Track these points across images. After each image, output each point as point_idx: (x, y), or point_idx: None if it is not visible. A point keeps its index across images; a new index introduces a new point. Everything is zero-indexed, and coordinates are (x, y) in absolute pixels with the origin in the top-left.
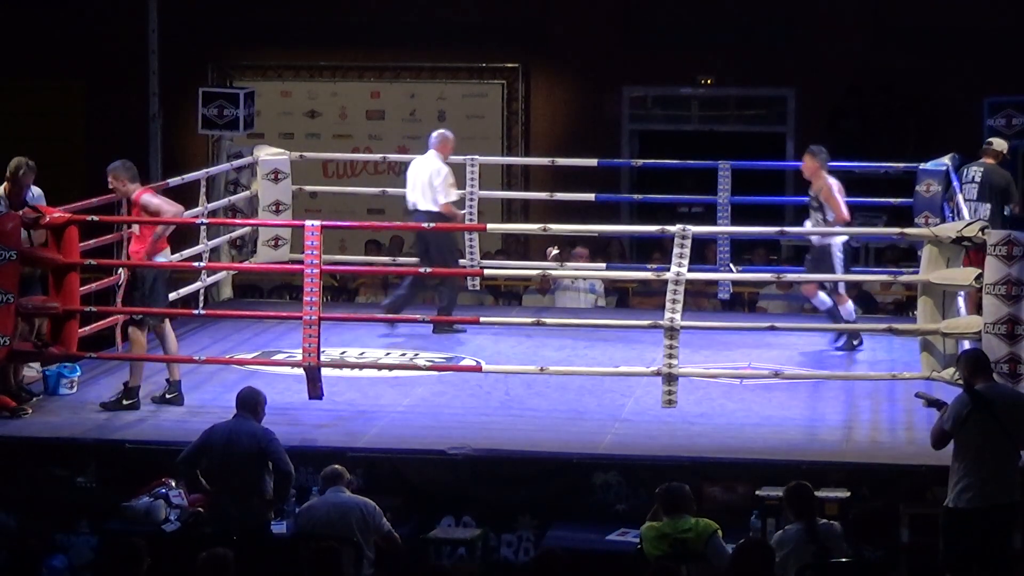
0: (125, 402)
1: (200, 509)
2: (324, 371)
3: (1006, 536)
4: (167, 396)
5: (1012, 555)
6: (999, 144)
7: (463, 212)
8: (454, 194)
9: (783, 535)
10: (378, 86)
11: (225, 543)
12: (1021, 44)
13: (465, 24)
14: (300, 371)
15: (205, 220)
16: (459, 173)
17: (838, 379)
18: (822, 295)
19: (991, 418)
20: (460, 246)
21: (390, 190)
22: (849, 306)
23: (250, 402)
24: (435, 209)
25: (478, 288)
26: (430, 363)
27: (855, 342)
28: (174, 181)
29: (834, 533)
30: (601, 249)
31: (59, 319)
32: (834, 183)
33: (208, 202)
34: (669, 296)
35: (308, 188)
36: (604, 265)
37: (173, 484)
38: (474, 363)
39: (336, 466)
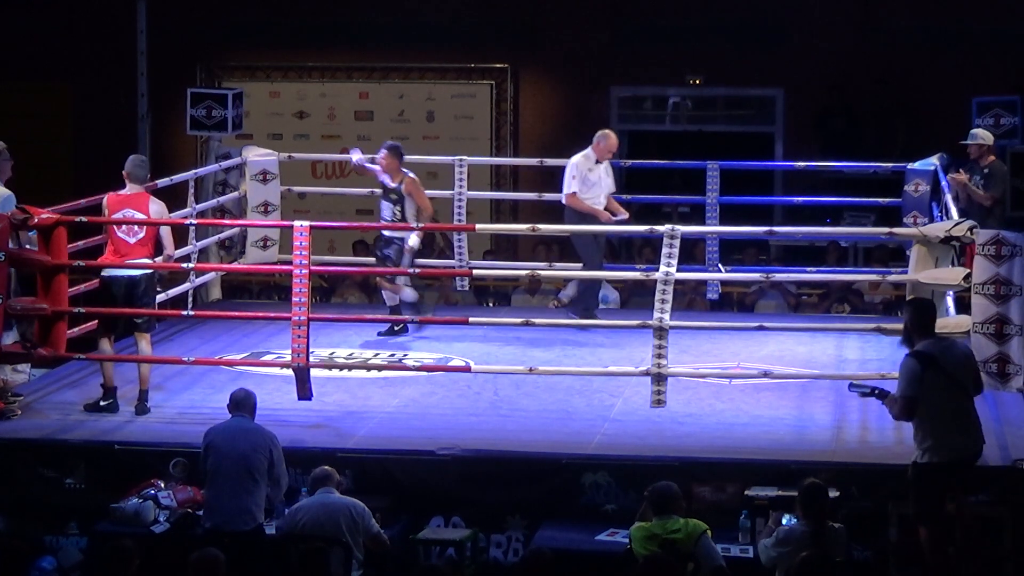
0: (102, 404)
1: (189, 510)
2: (313, 372)
3: (972, 490)
4: (101, 403)
5: (1001, 555)
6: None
7: (600, 207)
8: (576, 187)
9: (788, 532)
10: (367, 87)
11: (216, 543)
12: (1008, 44)
13: (454, 25)
14: (289, 372)
15: (194, 221)
16: (447, 173)
17: (827, 379)
18: (408, 290)
19: (941, 373)
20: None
21: (378, 191)
22: (408, 291)
23: (247, 402)
24: (564, 203)
25: (467, 289)
26: (419, 364)
27: (396, 328)
28: (163, 182)
29: (840, 537)
30: None
31: (47, 321)
32: (416, 177)
33: (197, 203)
34: (658, 296)
35: (297, 189)
36: None
37: (162, 485)
38: (463, 363)
39: (325, 467)
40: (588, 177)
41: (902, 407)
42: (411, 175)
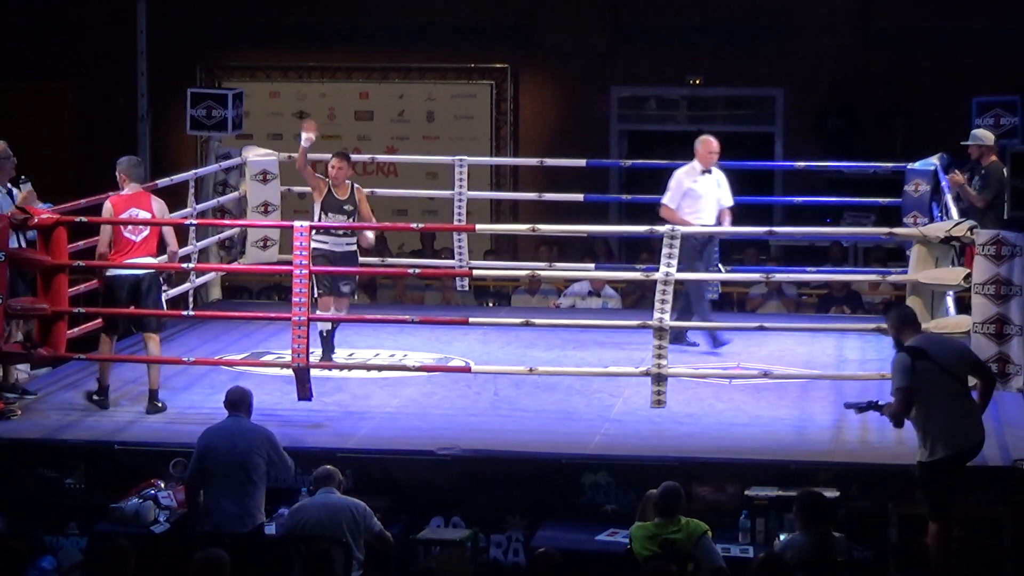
0: (95, 398)
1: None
2: (313, 372)
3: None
4: (94, 397)
5: (1001, 555)
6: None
7: (699, 223)
8: (678, 201)
9: (787, 543)
10: (367, 87)
11: (216, 543)
12: (1008, 44)
13: (454, 25)
14: (289, 372)
15: (194, 221)
16: (447, 173)
17: (827, 379)
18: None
19: (933, 364)
20: (699, 257)
21: (378, 191)
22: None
23: (243, 401)
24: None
25: (467, 289)
26: (419, 364)
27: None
28: (163, 182)
29: (841, 546)
30: (588, 249)
31: (47, 321)
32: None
33: (197, 203)
34: (658, 296)
35: (297, 189)
36: (593, 265)
37: (162, 485)
38: (463, 363)
39: (328, 467)
40: (693, 190)
41: (899, 400)
42: (357, 185)
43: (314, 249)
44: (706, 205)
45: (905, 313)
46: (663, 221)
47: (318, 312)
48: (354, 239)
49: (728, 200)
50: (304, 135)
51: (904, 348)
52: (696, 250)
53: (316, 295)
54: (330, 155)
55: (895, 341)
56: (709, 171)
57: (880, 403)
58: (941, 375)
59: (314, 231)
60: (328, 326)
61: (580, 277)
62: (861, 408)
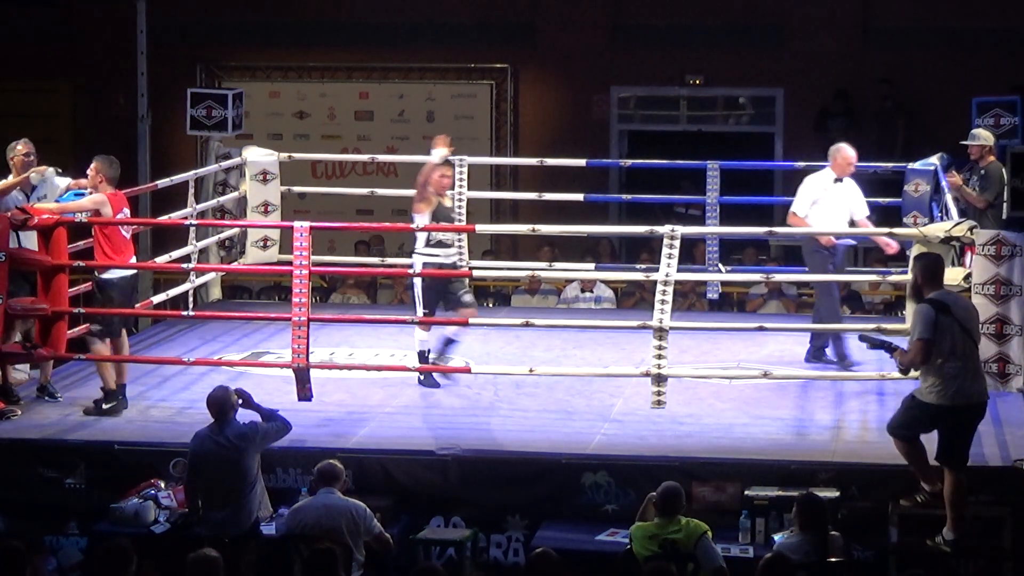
0: (105, 406)
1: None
2: (313, 372)
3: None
4: (104, 406)
5: (1001, 555)
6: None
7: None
8: (806, 210)
9: (784, 543)
10: (367, 87)
11: (215, 544)
12: (1008, 44)
13: (454, 25)
14: (289, 372)
15: (194, 221)
16: None
17: (827, 379)
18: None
19: (954, 321)
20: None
21: (379, 191)
22: (423, 335)
23: (223, 406)
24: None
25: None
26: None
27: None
28: (163, 182)
29: (838, 545)
30: (590, 249)
31: (48, 320)
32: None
33: (197, 203)
34: (658, 297)
35: (297, 189)
36: (593, 266)
37: (162, 485)
38: (463, 364)
39: (332, 462)
40: (822, 197)
41: (919, 349)
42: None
43: (426, 264)
44: (835, 216)
45: (935, 264)
46: (664, 220)
47: (420, 331)
48: (454, 250)
49: (862, 211)
50: (440, 152)
51: (929, 300)
52: (827, 260)
53: (422, 313)
54: (332, 155)
55: (915, 291)
56: (841, 180)
57: (895, 346)
58: (960, 332)
59: (425, 244)
60: (453, 332)
61: (580, 277)
62: (875, 344)
